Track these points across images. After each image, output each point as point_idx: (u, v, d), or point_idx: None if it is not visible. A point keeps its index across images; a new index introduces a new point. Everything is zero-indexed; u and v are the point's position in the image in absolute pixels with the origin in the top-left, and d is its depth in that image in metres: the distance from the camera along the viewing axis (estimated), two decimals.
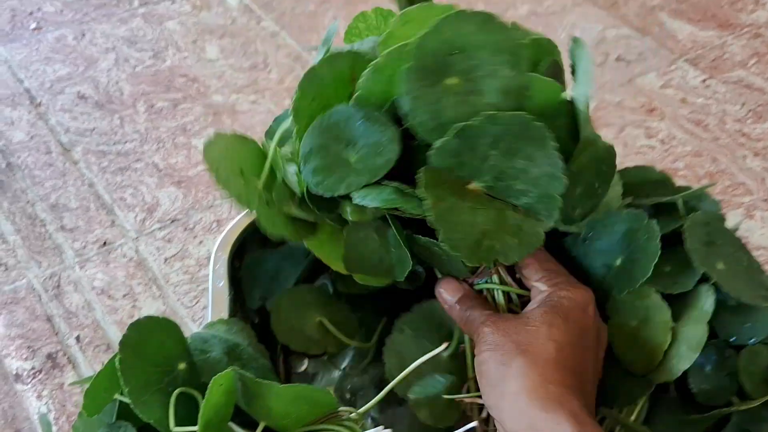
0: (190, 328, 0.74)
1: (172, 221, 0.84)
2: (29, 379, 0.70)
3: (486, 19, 0.50)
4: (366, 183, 0.50)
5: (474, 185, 0.49)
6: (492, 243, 0.48)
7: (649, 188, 0.66)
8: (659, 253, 0.53)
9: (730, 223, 0.59)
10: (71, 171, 0.90)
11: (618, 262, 0.55)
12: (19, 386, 0.70)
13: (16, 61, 1.06)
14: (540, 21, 1.16)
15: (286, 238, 0.55)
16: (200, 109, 0.99)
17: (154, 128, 0.96)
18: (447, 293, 0.54)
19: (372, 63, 0.50)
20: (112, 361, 0.49)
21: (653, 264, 0.52)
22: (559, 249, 0.59)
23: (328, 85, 0.53)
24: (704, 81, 1.05)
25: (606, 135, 0.97)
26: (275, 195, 0.55)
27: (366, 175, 0.50)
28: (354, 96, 0.51)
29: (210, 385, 0.46)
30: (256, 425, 0.49)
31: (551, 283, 0.52)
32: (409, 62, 0.50)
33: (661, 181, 0.66)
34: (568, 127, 0.52)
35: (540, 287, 0.52)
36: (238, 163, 0.53)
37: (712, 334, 0.55)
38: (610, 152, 0.54)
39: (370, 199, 0.49)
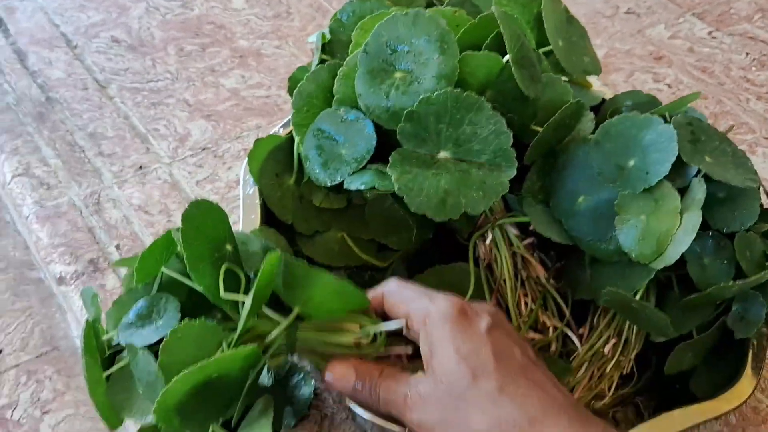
0: None
1: (203, 149, 0.89)
2: (72, 281, 0.75)
3: (415, 17, 0.59)
4: (355, 170, 0.60)
5: (442, 155, 0.57)
6: (457, 200, 0.56)
7: (639, 107, 0.70)
8: (677, 153, 0.56)
9: None
10: (107, 105, 0.95)
11: (631, 163, 0.59)
12: (62, 288, 0.75)
13: (51, 9, 1.11)
14: None
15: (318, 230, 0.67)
16: (227, 52, 1.04)
17: (184, 69, 1.01)
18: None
19: (339, 71, 0.61)
20: (167, 234, 0.54)
21: (672, 163, 0.56)
22: (570, 154, 0.64)
23: (316, 95, 0.63)
24: (710, 33, 1.09)
25: (615, 79, 1.01)
26: (303, 189, 0.65)
27: (353, 164, 0.60)
28: (334, 100, 0.61)
29: (265, 260, 0.50)
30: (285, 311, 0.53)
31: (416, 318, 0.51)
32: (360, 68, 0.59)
33: (650, 102, 0.70)
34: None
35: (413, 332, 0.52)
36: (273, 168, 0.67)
37: (707, 226, 0.58)
38: None
39: (354, 184, 0.59)
